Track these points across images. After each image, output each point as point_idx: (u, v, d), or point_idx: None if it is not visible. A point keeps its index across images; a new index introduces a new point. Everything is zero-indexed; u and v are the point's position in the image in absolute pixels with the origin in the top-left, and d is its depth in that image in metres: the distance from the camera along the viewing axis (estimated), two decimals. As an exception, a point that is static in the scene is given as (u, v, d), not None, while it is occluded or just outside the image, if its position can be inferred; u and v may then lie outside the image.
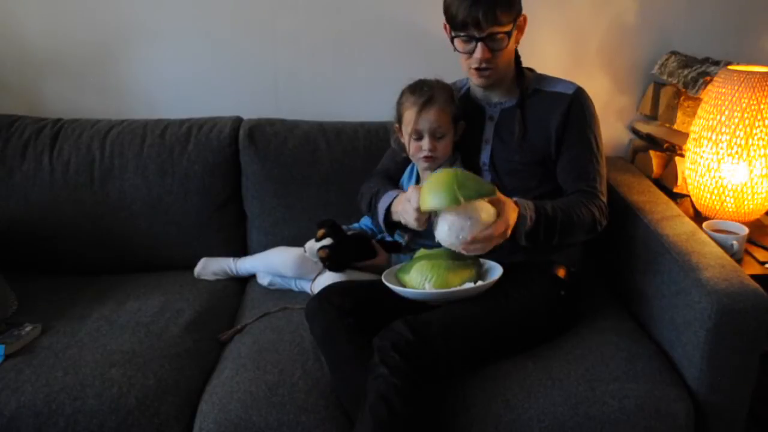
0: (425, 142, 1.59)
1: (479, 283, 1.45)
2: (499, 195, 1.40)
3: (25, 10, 2.05)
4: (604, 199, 1.56)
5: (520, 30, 1.56)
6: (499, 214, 1.37)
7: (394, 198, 1.56)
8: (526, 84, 1.61)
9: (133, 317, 1.66)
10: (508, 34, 1.49)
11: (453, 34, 1.52)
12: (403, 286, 1.47)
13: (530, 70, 1.67)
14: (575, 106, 1.56)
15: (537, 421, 1.37)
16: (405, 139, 1.64)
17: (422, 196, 1.40)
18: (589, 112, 1.58)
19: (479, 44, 1.48)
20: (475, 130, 1.64)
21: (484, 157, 1.63)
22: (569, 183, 1.56)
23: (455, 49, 1.55)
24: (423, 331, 1.36)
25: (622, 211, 1.78)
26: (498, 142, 1.62)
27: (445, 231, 1.37)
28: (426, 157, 1.60)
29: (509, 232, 1.39)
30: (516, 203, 1.42)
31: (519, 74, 1.62)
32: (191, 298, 1.77)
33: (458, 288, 1.44)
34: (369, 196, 1.67)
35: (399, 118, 1.65)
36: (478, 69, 1.53)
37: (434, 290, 1.44)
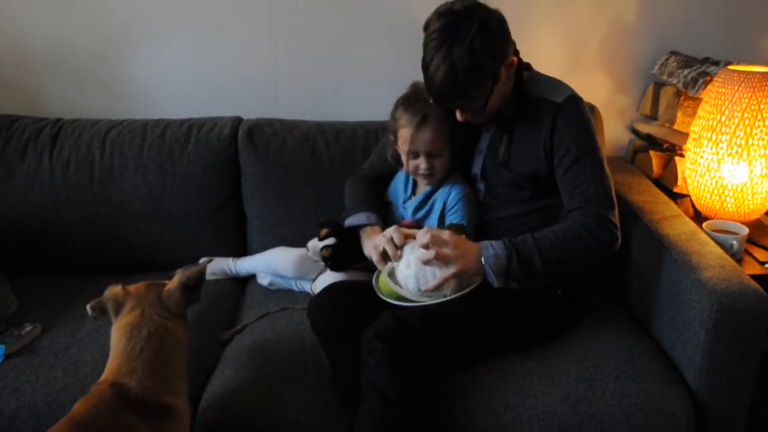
0: (422, 161, 1.57)
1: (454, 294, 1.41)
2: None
3: (25, 11, 2.05)
4: (609, 215, 1.40)
5: (508, 72, 1.44)
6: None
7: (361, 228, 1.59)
8: (523, 91, 1.51)
9: (133, 317, 1.66)
10: (483, 103, 1.42)
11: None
12: (398, 295, 1.45)
13: (527, 68, 1.56)
14: (562, 117, 1.44)
15: (537, 420, 1.37)
16: (401, 153, 1.61)
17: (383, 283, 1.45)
18: (580, 122, 1.45)
19: (456, 111, 1.46)
20: (471, 139, 1.60)
21: (476, 168, 1.60)
22: (566, 200, 1.46)
23: None
24: (406, 318, 1.36)
25: (622, 211, 1.77)
26: (491, 154, 1.57)
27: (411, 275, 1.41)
28: (425, 176, 1.60)
29: (465, 263, 1.36)
30: (480, 245, 1.39)
31: (518, 85, 1.50)
32: (191, 298, 1.77)
33: (444, 299, 1.40)
34: (349, 206, 1.68)
35: (394, 133, 1.60)
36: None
37: (412, 303, 1.42)
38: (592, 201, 1.41)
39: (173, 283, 1.27)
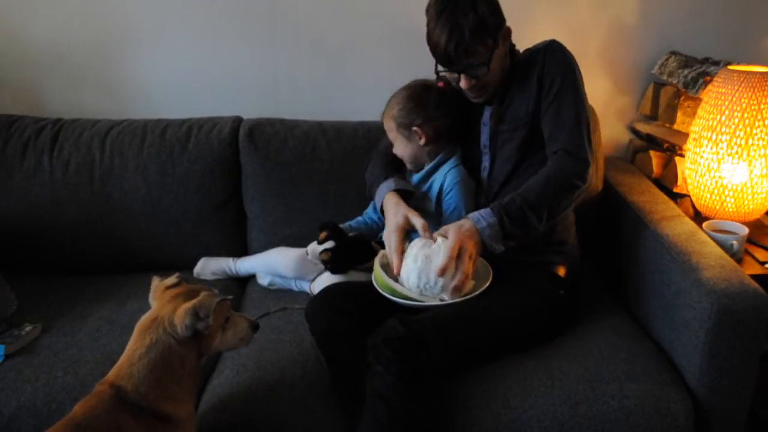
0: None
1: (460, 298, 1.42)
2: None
3: (25, 11, 2.05)
4: (580, 149, 1.46)
5: (504, 41, 1.53)
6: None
7: (386, 194, 1.57)
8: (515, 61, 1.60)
9: (133, 317, 1.62)
10: (486, 63, 1.48)
11: (437, 68, 1.52)
12: (393, 289, 1.45)
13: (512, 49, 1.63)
14: (549, 55, 1.54)
15: (537, 420, 1.37)
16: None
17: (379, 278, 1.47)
18: (564, 60, 1.53)
19: (461, 75, 1.51)
20: (476, 114, 1.64)
21: (484, 138, 1.63)
22: (546, 137, 1.52)
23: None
24: (415, 327, 1.36)
25: (622, 211, 1.78)
26: (494, 124, 1.61)
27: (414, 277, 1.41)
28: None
29: (468, 246, 1.38)
30: (470, 219, 1.42)
31: (513, 60, 1.60)
32: (191, 298, 1.77)
33: (440, 303, 1.42)
34: (370, 182, 1.68)
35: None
36: (469, 92, 1.55)
37: (419, 302, 1.42)
38: (565, 136, 1.48)
39: (184, 308, 1.22)
